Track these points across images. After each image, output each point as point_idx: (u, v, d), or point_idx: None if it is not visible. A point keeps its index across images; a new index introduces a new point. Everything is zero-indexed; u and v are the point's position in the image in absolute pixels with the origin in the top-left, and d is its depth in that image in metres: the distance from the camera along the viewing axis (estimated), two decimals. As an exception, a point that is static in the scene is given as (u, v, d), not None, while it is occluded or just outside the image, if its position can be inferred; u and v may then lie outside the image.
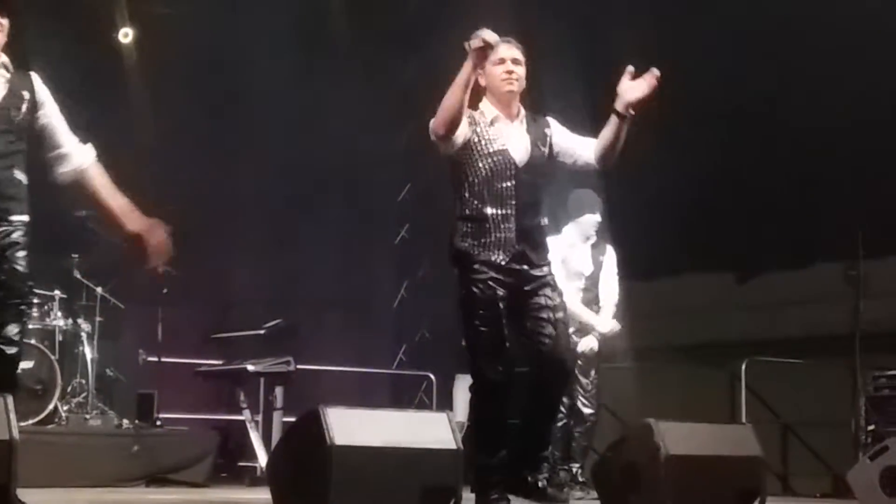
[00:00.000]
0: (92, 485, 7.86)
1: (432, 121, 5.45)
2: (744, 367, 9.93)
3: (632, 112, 5.38)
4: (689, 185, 10.35)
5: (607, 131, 5.49)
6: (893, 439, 6.79)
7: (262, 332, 9.56)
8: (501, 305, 5.42)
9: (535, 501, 5.47)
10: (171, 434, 9.16)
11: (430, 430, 5.09)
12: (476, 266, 5.43)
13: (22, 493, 4.26)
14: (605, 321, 8.07)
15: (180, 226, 10.69)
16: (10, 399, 4.34)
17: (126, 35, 10.91)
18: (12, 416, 4.30)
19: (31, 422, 8.16)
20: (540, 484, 5.52)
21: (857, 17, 9.47)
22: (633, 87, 5.36)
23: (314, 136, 11.54)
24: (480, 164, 5.49)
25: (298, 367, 9.46)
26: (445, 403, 11.08)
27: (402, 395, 12.71)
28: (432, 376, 12.18)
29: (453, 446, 5.08)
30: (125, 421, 8.87)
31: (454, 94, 5.32)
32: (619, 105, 5.40)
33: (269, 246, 11.45)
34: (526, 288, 5.47)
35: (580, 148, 5.64)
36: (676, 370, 10.77)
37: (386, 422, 5.04)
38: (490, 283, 5.41)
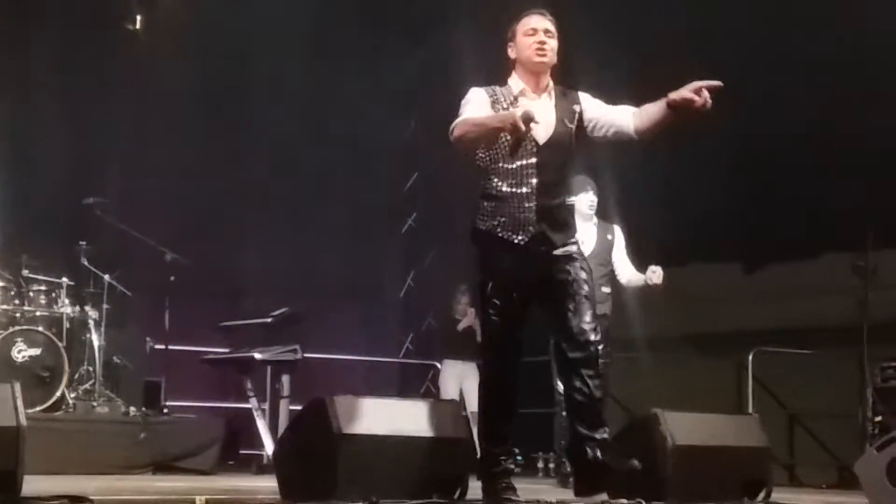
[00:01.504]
0: (99, 472, 7.87)
1: (455, 128, 5.22)
2: (751, 357, 9.92)
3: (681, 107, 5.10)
4: (697, 175, 10.33)
5: (653, 111, 5.23)
6: (901, 430, 6.78)
7: (269, 320, 9.56)
8: (515, 296, 5.27)
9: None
10: (178, 422, 9.17)
11: (437, 419, 5.10)
12: (496, 253, 5.30)
13: (29, 480, 4.27)
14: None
15: (189, 213, 10.84)
16: (17, 386, 4.35)
17: (137, 23, 10.91)
18: (20, 402, 4.31)
19: (38, 409, 8.18)
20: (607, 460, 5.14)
21: (864, 10, 9.46)
22: (693, 96, 5.07)
23: (321, 126, 11.55)
24: (501, 142, 5.26)
25: (305, 355, 9.47)
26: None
27: (409, 384, 12.73)
28: (439, 365, 12.18)
29: (461, 434, 5.09)
30: (132, 408, 8.88)
31: (481, 132, 5.19)
32: (675, 95, 5.12)
33: (276, 235, 11.46)
34: (548, 270, 5.28)
35: (616, 117, 5.36)
36: (683, 360, 10.77)
37: (392, 410, 5.05)
38: (508, 272, 5.27)
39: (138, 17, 10.90)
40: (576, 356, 5.21)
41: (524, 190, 5.25)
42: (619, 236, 8.21)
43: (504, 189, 5.28)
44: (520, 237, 5.26)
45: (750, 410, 9.43)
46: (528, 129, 5.02)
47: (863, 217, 9.04)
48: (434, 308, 12.94)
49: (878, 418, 8.94)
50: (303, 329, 9.74)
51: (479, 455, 5.41)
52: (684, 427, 5.51)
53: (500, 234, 5.28)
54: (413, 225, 13.36)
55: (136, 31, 10.94)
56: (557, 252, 5.29)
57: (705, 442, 5.57)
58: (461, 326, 11.05)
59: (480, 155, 5.35)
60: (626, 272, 8.08)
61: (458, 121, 5.26)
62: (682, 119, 5.15)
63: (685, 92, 5.06)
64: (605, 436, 5.18)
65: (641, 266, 7.87)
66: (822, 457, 9.97)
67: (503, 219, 5.28)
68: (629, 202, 8.50)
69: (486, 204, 5.35)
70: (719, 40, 10.10)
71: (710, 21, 10.31)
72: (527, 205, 5.25)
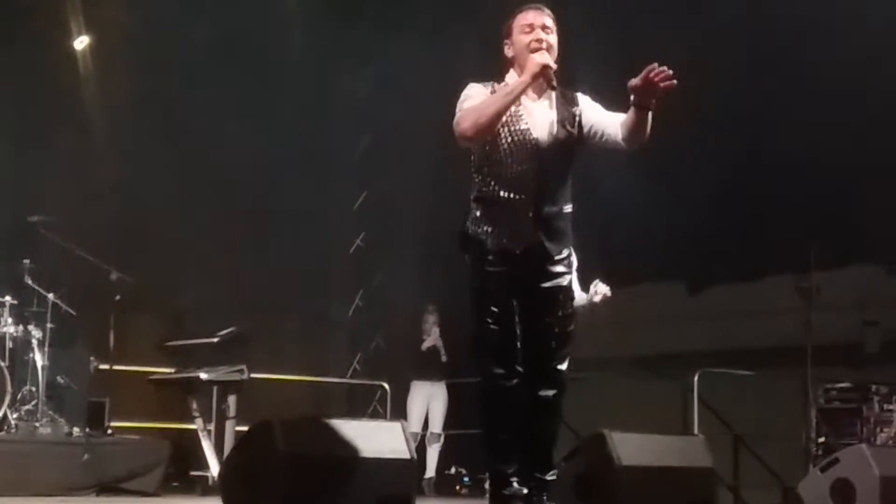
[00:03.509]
0: (41, 494, 7.78)
1: (462, 120, 4.95)
2: (696, 378, 9.99)
3: (649, 103, 4.85)
4: (642, 197, 10.40)
5: (628, 119, 4.99)
6: (844, 451, 6.85)
7: (215, 340, 9.50)
8: (515, 303, 5.00)
9: None
10: (123, 442, 9.07)
11: (384, 440, 5.08)
12: (490, 257, 5.00)
13: (-31, 502, 4.22)
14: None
15: (134, 232, 10.75)
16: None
17: (81, 42, 10.86)
18: (-40, 423, 4.25)
19: (-21, 429, 8.08)
20: None
21: (805, 44, 9.64)
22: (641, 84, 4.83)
23: (270, 143, 11.51)
24: (500, 143, 5.00)
25: (252, 375, 9.41)
26: (400, 413, 11.08)
27: (357, 405, 12.69)
28: (387, 386, 12.16)
29: (407, 456, 5.07)
30: (76, 429, 8.78)
31: (500, 104, 4.91)
32: (631, 91, 4.88)
33: (223, 253, 11.39)
34: (541, 286, 5.04)
35: (610, 125, 5.10)
36: (629, 381, 10.82)
37: (339, 431, 5.02)
38: (504, 276, 4.98)
39: (83, 37, 10.85)
40: (546, 395, 5.07)
41: (524, 196, 4.99)
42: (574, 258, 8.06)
43: (502, 194, 5.00)
44: (516, 245, 5.00)
45: (695, 431, 9.49)
46: (552, 66, 4.90)
47: (806, 238, 9.14)
48: (383, 328, 12.93)
49: (822, 439, 9.03)
50: (250, 349, 9.69)
51: (488, 478, 5.23)
52: (631, 447, 5.53)
53: (494, 241, 5.01)
54: (361, 244, 13.34)
55: (81, 50, 10.88)
56: (552, 266, 5.07)
57: (652, 462, 5.59)
58: (425, 346, 11.01)
59: (475, 156, 5.09)
60: (583, 295, 7.87)
61: (463, 112, 4.98)
62: (649, 106, 4.86)
63: (634, 82, 4.83)
64: (554, 478, 5.10)
65: (584, 285, 7.76)
66: (767, 478, 10.04)
67: (499, 226, 5.01)
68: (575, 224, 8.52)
69: (480, 208, 5.07)
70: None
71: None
72: (526, 212, 4.99)
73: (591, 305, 7.35)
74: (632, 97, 4.90)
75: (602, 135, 5.12)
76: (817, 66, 9.62)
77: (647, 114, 4.92)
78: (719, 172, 10.37)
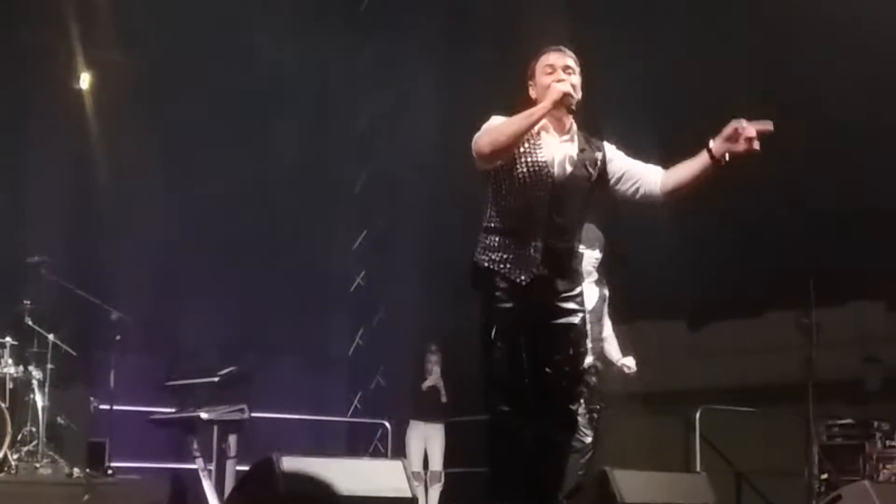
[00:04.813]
0: (41, 534, 7.76)
1: (480, 137, 4.91)
2: (698, 415, 9.96)
3: (726, 159, 4.88)
4: (641, 233, 10.39)
5: (690, 168, 4.99)
6: (847, 488, 6.84)
7: (216, 379, 9.48)
8: (524, 340, 4.92)
9: None
10: (123, 483, 9.04)
11: (385, 478, 5.08)
12: (498, 293, 4.93)
13: (-31, 544, 4.20)
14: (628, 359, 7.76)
15: (134, 272, 10.76)
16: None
17: (84, 81, 10.92)
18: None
19: (-21, 470, 8.06)
20: None
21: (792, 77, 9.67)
22: (739, 138, 4.85)
23: (269, 182, 11.54)
24: (516, 173, 4.95)
25: (253, 414, 9.37)
26: (401, 451, 11.05)
27: (358, 443, 12.65)
28: (387, 424, 12.12)
29: (408, 494, 5.07)
30: (76, 469, 8.76)
31: (519, 125, 4.86)
32: (717, 148, 4.89)
33: (223, 293, 11.40)
34: (551, 323, 4.98)
35: (645, 175, 5.11)
36: (631, 418, 10.77)
37: (340, 470, 5.02)
38: (514, 312, 4.91)
39: (85, 75, 10.90)
40: (556, 435, 5.02)
41: (531, 227, 4.95)
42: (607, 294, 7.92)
43: (511, 224, 4.98)
44: (523, 276, 4.91)
45: (697, 468, 9.45)
46: (572, 95, 4.90)
47: (806, 275, 9.13)
48: (383, 366, 12.90)
49: (824, 476, 8.98)
50: (250, 388, 9.68)
51: None
52: (633, 485, 5.52)
53: (503, 272, 4.94)
54: (362, 283, 13.34)
55: (83, 89, 10.93)
56: (561, 303, 4.99)
57: (654, 500, 5.58)
58: (425, 385, 10.99)
59: (492, 189, 5.03)
60: (613, 351, 7.72)
61: (481, 132, 4.94)
62: (721, 169, 4.90)
63: (724, 140, 4.87)
64: None
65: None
66: (770, 515, 10.01)
67: (507, 255, 4.95)
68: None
69: (489, 238, 5.03)
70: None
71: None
72: (533, 243, 4.94)
73: (617, 370, 7.56)
74: (713, 144, 4.90)
75: (635, 184, 5.11)
76: (818, 101, 9.65)
77: (714, 167, 4.90)
78: (718, 209, 10.37)
